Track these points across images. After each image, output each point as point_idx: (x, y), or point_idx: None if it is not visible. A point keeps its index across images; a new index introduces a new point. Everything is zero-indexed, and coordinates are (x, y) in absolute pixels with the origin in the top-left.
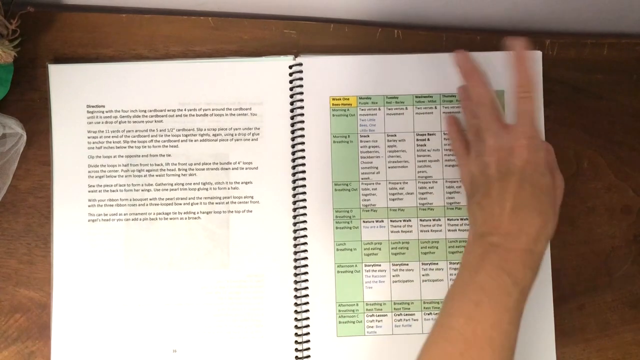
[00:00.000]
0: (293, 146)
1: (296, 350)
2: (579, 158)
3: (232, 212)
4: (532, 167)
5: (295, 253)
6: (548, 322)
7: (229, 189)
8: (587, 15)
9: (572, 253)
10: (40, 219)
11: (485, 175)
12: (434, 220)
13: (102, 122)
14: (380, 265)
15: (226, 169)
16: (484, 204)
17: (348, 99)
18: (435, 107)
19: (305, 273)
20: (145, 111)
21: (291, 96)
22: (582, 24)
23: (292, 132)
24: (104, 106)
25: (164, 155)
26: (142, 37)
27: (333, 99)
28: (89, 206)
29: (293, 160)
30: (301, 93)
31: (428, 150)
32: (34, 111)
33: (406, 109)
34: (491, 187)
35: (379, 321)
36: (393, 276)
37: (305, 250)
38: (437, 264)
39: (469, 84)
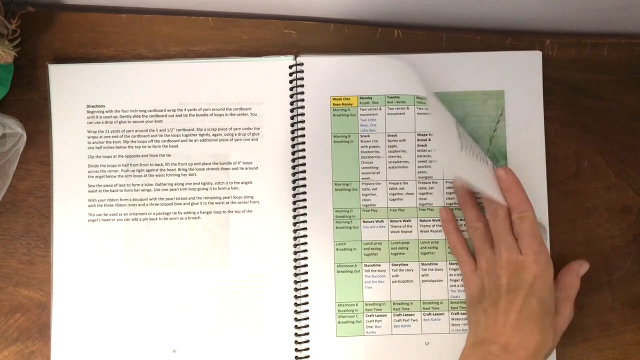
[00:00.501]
0: (293, 146)
1: (296, 350)
2: (579, 158)
3: (232, 212)
4: (541, 282)
5: (295, 253)
6: None
7: (229, 189)
8: (587, 15)
9: (572, 253)
10: (40, 219)
11: (496, 287)
12: (433, 220)
13: (102, 122)
14: (380, 265)
15: (226, 169)
16: (489, 312)
17: (349, 99)
18: None
19: (305, 273)
20: (145, 111)
21: (291, 96)
22: (582, 24)
23: (292, 132)
24: (104, 106)
25: (164, 155)
26: (142, 37)
27: (334, 99)
28: (89, 206)
29: (293, 160)
30: (301, 93)
31: (428, 151)
32: (34, 111)
33: (407, 108)
34: (500, 298)
35: (378, 321)
36: (393, 276)
37: (305, 250)
38: (436, 264)
39: (486, 199)
